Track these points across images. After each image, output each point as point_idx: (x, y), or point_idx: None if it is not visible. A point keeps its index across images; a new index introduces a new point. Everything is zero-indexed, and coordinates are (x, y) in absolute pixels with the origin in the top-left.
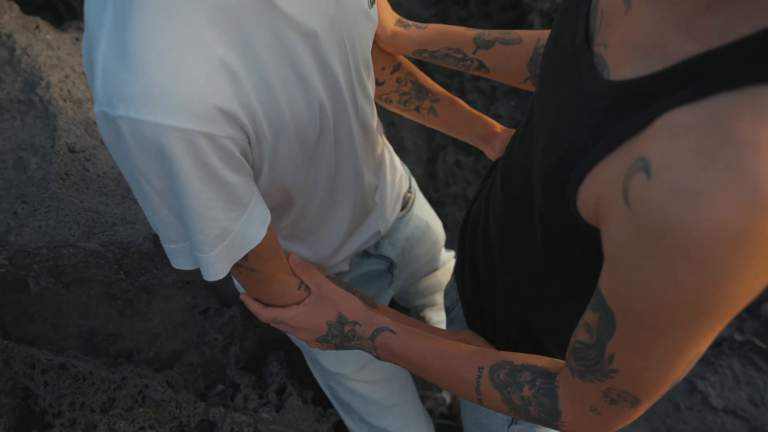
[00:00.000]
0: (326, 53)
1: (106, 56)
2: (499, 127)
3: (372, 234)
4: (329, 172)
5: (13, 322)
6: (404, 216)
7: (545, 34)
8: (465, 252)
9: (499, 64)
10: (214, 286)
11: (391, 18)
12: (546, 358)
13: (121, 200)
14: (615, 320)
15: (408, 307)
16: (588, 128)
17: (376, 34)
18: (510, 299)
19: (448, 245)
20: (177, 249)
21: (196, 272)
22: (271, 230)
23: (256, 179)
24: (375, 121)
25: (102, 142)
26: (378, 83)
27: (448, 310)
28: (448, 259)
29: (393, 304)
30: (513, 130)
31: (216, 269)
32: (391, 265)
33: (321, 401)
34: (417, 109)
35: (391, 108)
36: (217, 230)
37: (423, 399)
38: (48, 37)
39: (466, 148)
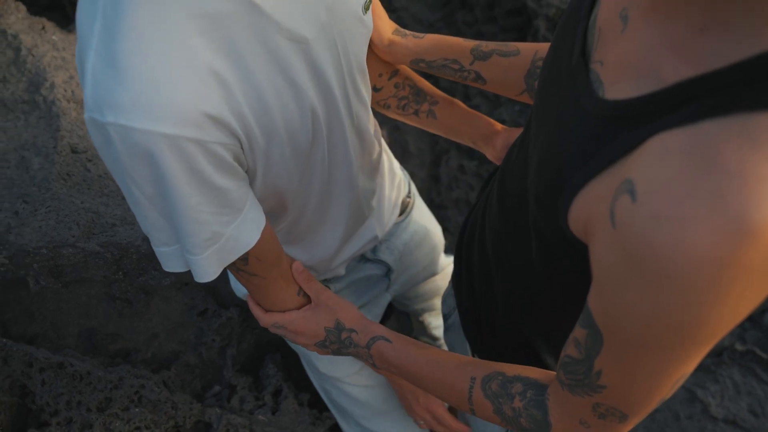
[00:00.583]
0: (318, 59)
1: (95, 63)
2: (499, 126)
3: (369, 239)
4: (323, 178)
5: (13, 320)
6: (403, 221)
7: (543, 47)
8: (462, 260)
9: (496, 75)
10: (212, 287)
11: (388, 27)
12: (538, 369)
13: (122, 201)
14: (602, 338)
15: (407, 312)
16: (580, 147)
17: (373, 43)
18: (509, 307)
19: (449, 250)
20: (168, 252)
21: None
22: (273, 236)
23: (251, 184)
24: (372, 126)
25: None
26: (376, 89)
27: (446, 317)
28: (447, 264)
29: (391, 308)
30: (514, 129)
31: (206, 271)
32: (388, 270)
33: (317, 404)
34: (416, 113)
35: (390, 114)
36: (208, 234)
37: None
38: (54, 37)
39: (469, 153)
